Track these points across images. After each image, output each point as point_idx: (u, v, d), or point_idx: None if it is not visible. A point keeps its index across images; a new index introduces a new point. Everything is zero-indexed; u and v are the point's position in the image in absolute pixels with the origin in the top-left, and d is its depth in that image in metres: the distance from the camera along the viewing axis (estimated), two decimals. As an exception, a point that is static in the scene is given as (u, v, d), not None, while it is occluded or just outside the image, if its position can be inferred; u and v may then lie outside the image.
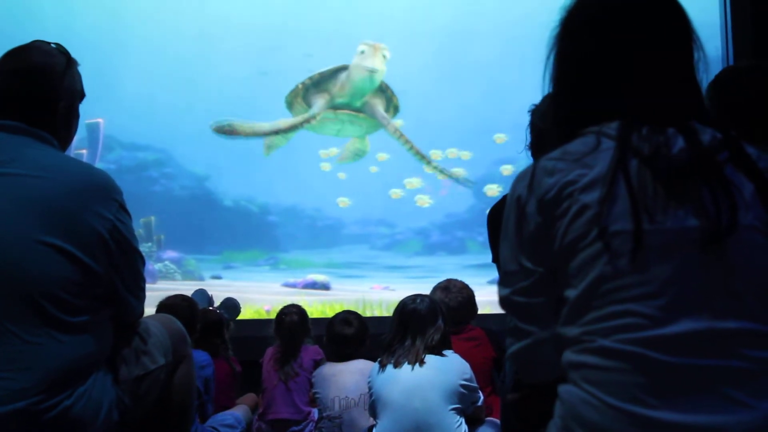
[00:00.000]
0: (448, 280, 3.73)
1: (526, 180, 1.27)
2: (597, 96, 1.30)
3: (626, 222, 1.13)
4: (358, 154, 6.01)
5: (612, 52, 1.28)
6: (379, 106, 5.99)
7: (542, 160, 1.26)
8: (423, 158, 5.93)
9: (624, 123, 1.21)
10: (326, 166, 5.93)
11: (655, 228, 1.12)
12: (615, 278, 1.12)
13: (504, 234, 1.32)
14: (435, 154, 5.94)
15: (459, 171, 5.93)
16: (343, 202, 5.91)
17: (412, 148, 5.93)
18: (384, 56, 5.90)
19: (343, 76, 5.97)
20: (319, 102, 5.97)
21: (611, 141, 1.20)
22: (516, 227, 1.28)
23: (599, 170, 1.17)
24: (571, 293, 1.17)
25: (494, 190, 5.82)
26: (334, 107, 5.97)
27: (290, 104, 5.98)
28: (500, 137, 5.83)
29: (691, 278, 1.10)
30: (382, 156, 5.96)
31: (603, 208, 1.14)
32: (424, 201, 5.93)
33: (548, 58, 1.37)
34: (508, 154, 5.73)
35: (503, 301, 1.33)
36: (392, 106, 5.98)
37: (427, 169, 5.93)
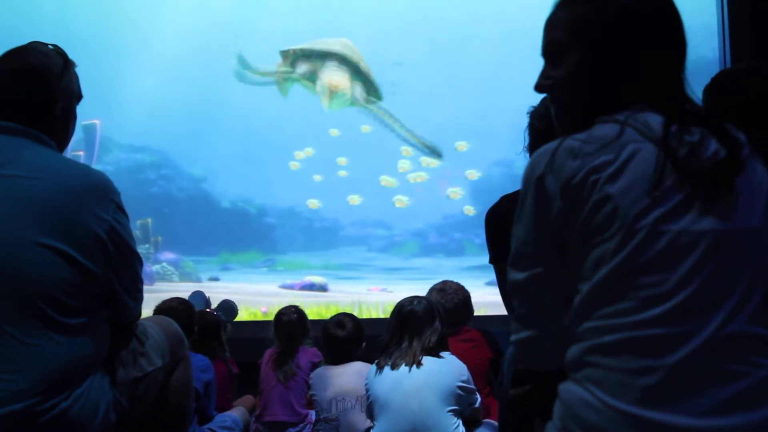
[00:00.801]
0: (444, 282, 3.74)
1: (547, 158, 1.21)
2: (610, 95, 1.27)
3: (647, 219, 1.11)
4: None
5: (628, 53, 1.26)
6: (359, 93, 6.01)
7: (567, 139, 1.21)
8: (405, 132, 5.96)
9: (665, 122, 1.19)
10: (295, 165, 5.93)
11: (674, 228, 1.11)
12: (629, 275, 1.11)
13: (520, 214, 1.27)
14: (406, 151, 5.95)
15: (422, 175, 5.96)
16: (313, 203, 5.92)
17: (395, 122, 5.94)
18: (338, 97, 5.96)
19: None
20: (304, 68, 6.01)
21: (636, 134, 1.18)
22: (534, 209, 1.23)
23: (624, 161, 1.15)
24: (583, 287, 1.16)
25: (457, 193, 5.87)
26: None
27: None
28: (461, 145, 5.87)
29: (704, 280, 1.09)
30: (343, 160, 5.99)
31: (625, 203, 1.13)
32: (402, 202, 5.93)
33: (554, 54, 1.35)
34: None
35: (515, 285, 1.28)
36: (373, 92, 5.99)
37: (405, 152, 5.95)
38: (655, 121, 1.20)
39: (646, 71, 1.26)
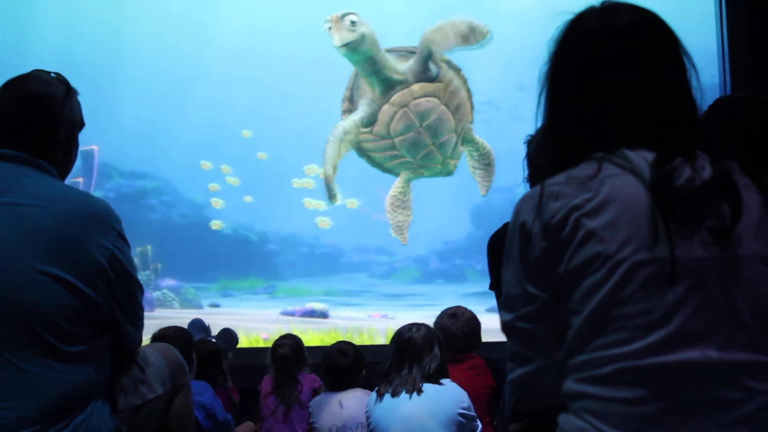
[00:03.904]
0: (458, 307, 3.68)
1: (532, 204, 1.23)
2: (588, 126, 1.28)
3: (631, 250, 1.11)
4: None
5: (602, 83, 1.26)
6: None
7: (548, 185, 1.23)
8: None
9: (653, 157, 1.19)
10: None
11: (660, 257, 1.11)
12: (618, 306, 1.11)
13: (507, 258, 1.29)
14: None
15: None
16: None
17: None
18: (352, 22, 5.61)
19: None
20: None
21: (616, 167, 1.19)
22: (520, 252, 1.25)
23: (605, 196, 1.15)
24: (574, 320, 1.16)
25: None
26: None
27: None
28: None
29: (695, 308, 1.09)
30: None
31: (609, 235, 1.13)
32: (325, 223, 5.90)
33: (541, 92, 1.36)
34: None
35: (506, 327, 1.29)
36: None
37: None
38: (636, 152, 1.20)
39: (637, 100, 1.25)
